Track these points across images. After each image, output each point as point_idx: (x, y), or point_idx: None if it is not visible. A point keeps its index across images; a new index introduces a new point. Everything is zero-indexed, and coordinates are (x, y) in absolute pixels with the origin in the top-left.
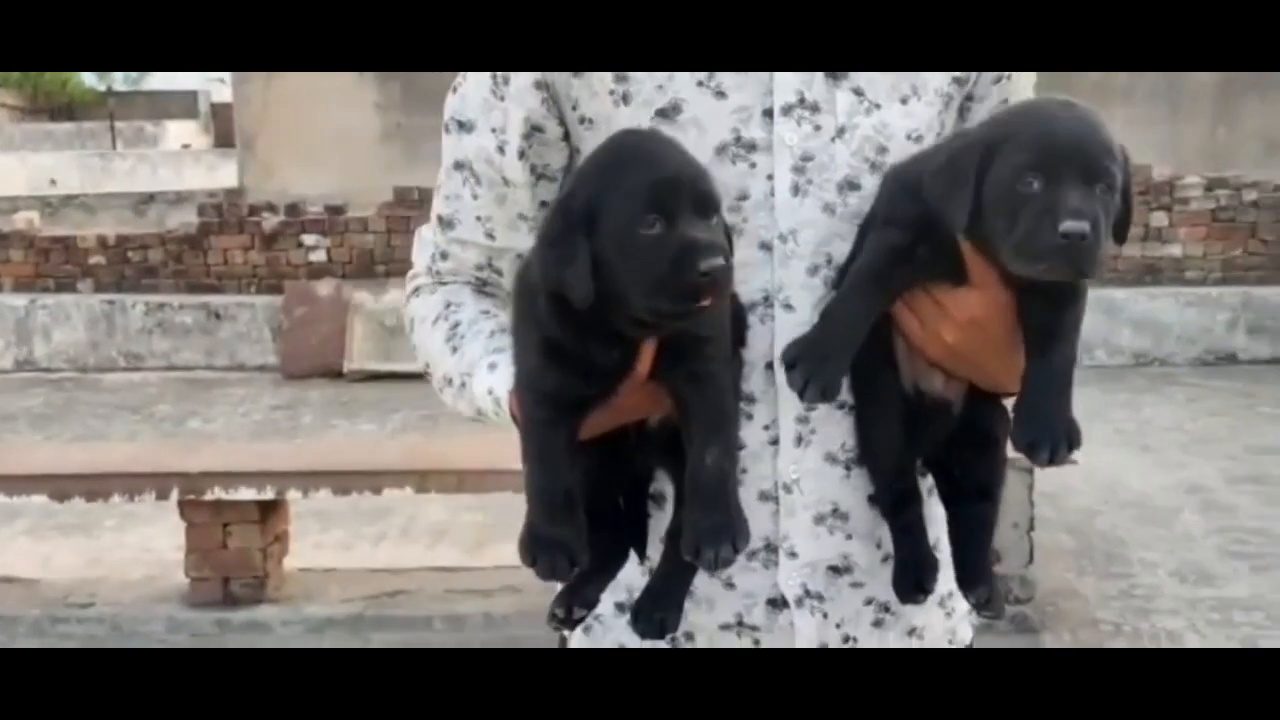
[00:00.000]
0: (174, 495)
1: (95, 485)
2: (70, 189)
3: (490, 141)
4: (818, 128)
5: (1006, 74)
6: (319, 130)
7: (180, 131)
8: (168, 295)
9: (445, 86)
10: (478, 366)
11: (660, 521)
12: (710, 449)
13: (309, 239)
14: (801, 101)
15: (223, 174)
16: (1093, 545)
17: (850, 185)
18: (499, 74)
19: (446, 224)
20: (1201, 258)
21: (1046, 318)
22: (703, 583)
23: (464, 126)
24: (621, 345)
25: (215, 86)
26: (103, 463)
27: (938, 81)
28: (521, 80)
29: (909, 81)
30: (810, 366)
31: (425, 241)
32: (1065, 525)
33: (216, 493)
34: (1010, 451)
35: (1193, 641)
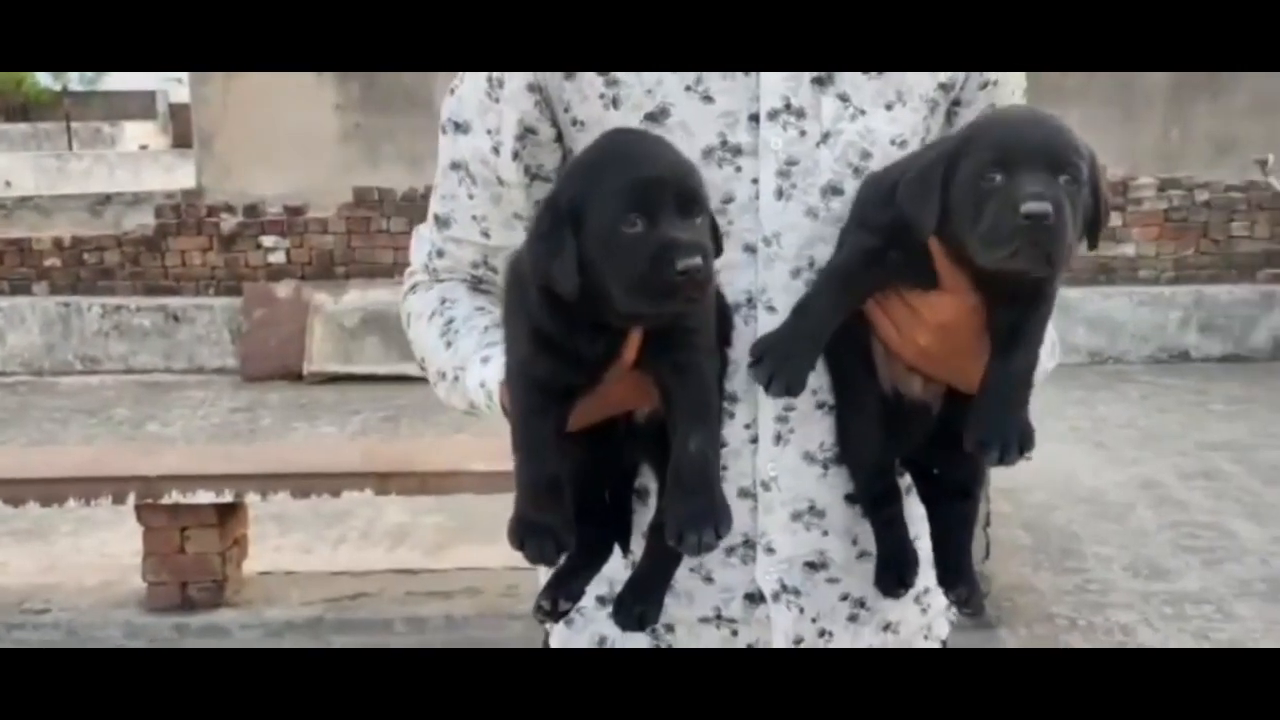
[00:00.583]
0: (130, 499)
1: (50, 490)
2: (25, 190)
3: (485, 142)
4: (803, 133)
5: (993, 80)
6: (278, 131)
7: (138, 132)
8: (125, 297)
9: (404, 88)
10: (471, 360)
11: (643, 516)
12: (694, 437)
13: (268, 240)
14: (787, 107)
15: (181, 175)
16: (1049, 540)
17: (833, 190)
18: (494, 77)
19: (443, 223)
20: (1154, 257)
21: (1012, 321)
22: (682, 577)
23: (460, 128)
24: (608, 335)
25: (173, 87)
26: (58, 466)
27: (923, 88)
28: (515, 83)
29: (894, 88)
30: (776, 362)
31: (422, 239)
32: (1022, 521)
33: (174, 496)
34: None
35: (1145, 634)
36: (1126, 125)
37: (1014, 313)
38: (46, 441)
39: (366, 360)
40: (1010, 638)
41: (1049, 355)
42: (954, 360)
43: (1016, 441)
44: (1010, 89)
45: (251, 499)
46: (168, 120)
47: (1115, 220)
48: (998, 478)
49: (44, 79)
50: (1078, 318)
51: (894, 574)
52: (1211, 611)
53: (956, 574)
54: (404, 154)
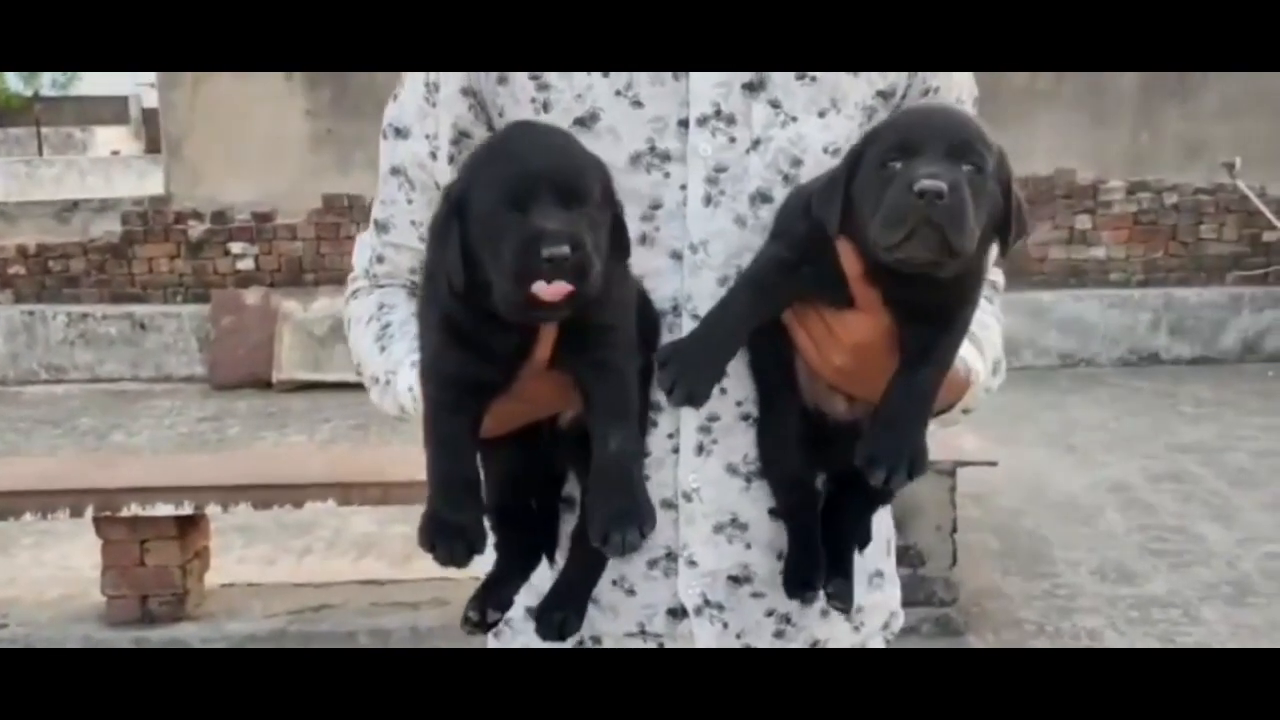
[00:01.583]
0: (89, 512)
1: (7, 503)
2: None
3: (423, 147)
4: (732, 139)
5: (935, 87)
6: (247, 136)
7: (110, 137)
8: (91, 305)
9: (375, 93)
10: (401, 365)
11: (570, 525)
12: (613, 436)
13: (236, 247)
14: (717, 113)
15: (153, 181)
16: (1017, 545)
17: (762, 197)
18: (431, 82)
19: (382, 228)
20: (1124, 260)
21: (921, 342)
22: (604, 590)
23: (400, 133)
24: (521, 332)
25: (146, 91)
26: (16, 479)
27: (859, 95)
28: (450, 87)
29: (828, 95)
30: (679, 369)
31: (364, 245)
32: (992, 526)
33: (133, 509)
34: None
35: (1112, 639)
36: (1096, 129)
37: (925, 335)
38: (9, 453)
39: (336, 368)
40: (978, 643)
41: (991, 374)
42: (871, 380)
43: (906, 464)
44: (955, 96)
45: (212, 510)
46: (140, 125)
47: (1086, 223)
48: (967, 483)
49: (15, 84)
50: (1049, 320)
51: (801, 576)
52: (1178, 615)
53: (835, 565)
54: (374, 160)
